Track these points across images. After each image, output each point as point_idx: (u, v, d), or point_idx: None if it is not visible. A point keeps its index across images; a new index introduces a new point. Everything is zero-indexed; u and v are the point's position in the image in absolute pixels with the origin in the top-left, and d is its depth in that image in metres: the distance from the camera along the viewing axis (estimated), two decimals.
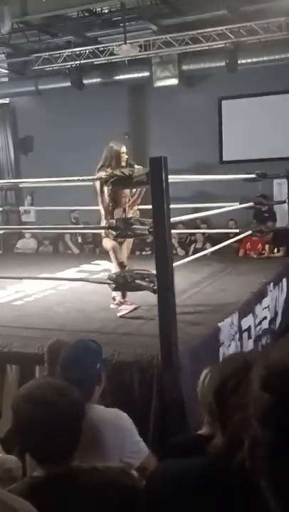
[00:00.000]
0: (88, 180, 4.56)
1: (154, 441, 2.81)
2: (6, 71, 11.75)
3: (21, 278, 5.62)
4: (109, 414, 2.09)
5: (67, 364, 2.05)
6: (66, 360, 2.08)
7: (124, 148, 4.49)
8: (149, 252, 8.97)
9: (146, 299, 4.30)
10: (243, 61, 9.32)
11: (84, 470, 1.52)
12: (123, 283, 3.64)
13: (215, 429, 1.83)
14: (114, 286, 3.77)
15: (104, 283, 3.89)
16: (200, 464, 1.24)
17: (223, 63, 9.40)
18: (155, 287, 3.34)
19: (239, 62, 9.29)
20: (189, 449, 1.61)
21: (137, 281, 3.58)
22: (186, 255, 7.81)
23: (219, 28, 9.06)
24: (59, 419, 1.47)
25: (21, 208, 10.04)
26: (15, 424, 1.56)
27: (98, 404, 2.14)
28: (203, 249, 8.20)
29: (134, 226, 3.55)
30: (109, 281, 3.74)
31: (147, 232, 3.44)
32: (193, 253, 7.60)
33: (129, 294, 4.32)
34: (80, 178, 4.68)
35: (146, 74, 10.17)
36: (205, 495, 1.13)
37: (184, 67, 9.92)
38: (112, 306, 4.43)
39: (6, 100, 12.24)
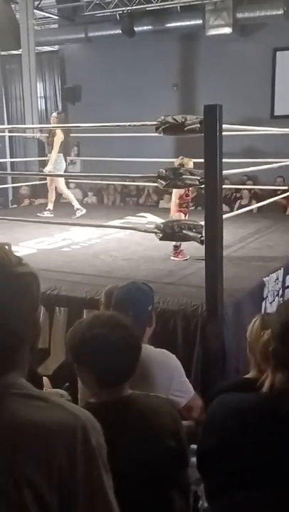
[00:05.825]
0: (138, 126, 4.51)
1: (196, 388, 2.88)
2: (56, 17, 11.53)
3: (71, 224, 5.71)
4: (158, 353, 2.17)
5: (121, 304, 2.11)
6: (119, 300, 2.15)
7: None
8: (192, 207, 8.87)
9: (191, 251, 4.34)
10: None
11: (137, 395, 1.62)
12: (170, 233, 3.64)
13: (264, 371, 1.87)
14: (160, 235, 3.78)
15: (152, 232, 3.91)
16: (259, 397, 1.28)
17: (280, 11, 8.95)
18: (202, 238, 3.35)
19: None
20: (238, 390, 1.66)
21: (184, 231, 3.56)
22: (231, 212, 7.70)
23: None
24: (117, 344, 1.55)
25: (68, 159, 10.06)
26: (71, 348, 1.63)
27: None
28: (248, 206, 8.06)
29: (184, 176, 3.52)
30: (156, 231, 3.75)
31: (198, 183, 3.41)
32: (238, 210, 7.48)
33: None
34: (128, 124, 4.63)
35: (198, 22, 9.81)
36: (264, 424, 1.18)
37: (239, 15, 9.51)
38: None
39: (55, 47, 12.08)
